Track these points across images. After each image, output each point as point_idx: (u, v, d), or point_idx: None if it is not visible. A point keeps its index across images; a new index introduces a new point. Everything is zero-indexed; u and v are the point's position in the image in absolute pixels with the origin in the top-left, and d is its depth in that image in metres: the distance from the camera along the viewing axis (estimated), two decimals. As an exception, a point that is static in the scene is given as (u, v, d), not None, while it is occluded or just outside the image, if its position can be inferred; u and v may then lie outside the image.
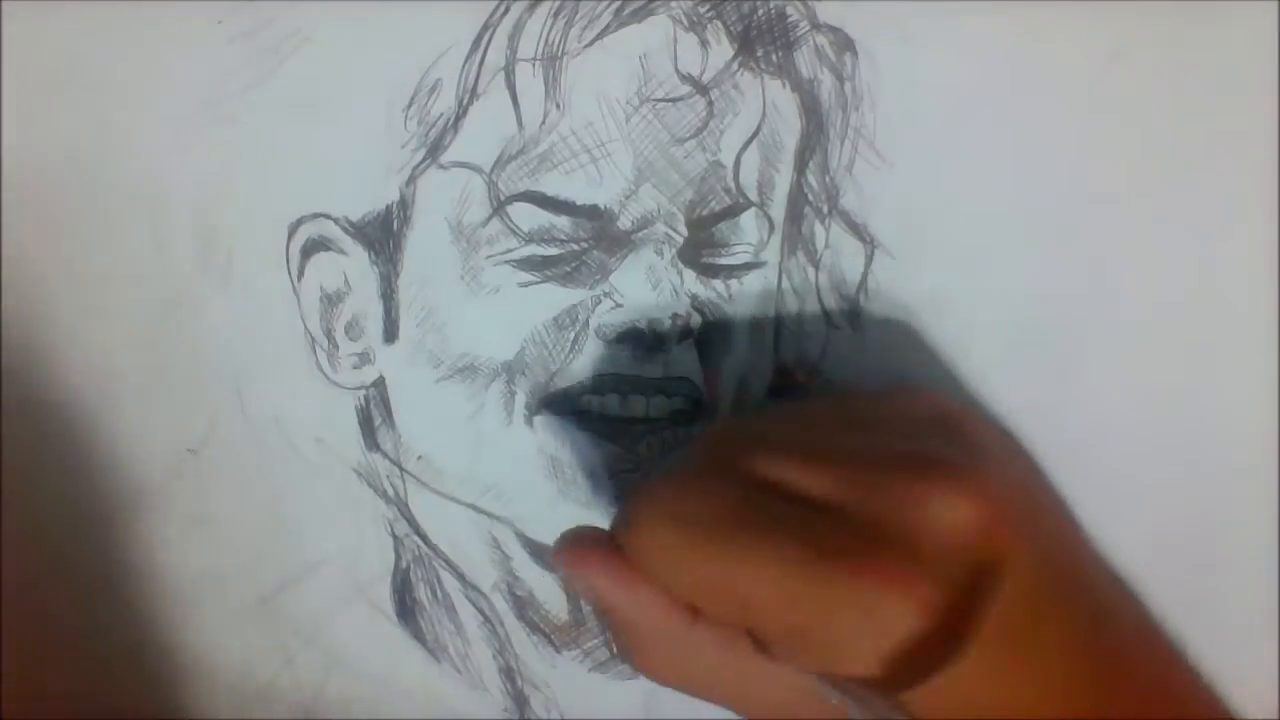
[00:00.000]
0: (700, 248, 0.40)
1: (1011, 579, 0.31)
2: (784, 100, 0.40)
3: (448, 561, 0.43)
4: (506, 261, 0.40)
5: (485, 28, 0.39)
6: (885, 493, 0.32)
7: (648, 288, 0.40)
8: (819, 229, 0.41)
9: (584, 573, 0.34)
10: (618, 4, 0.39)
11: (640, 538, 0.33)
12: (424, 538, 0.43)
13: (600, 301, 0.40)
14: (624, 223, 0.40)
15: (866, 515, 0.31)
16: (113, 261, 0.40)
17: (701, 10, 0.39)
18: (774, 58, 0.40)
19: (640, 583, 0.33)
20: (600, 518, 0.41)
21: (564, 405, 0.41)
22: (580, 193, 0.39)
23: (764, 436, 0.35)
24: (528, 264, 0.40)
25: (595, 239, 0.40)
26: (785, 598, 0.31)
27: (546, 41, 0.39)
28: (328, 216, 0.40)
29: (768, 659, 0.33)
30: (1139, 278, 0.41)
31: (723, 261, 0.41)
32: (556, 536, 0.36)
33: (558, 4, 0.39)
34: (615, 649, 0.36)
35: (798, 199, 0.41)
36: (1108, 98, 0.40)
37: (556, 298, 0.40)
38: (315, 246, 0.40)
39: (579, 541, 0.35)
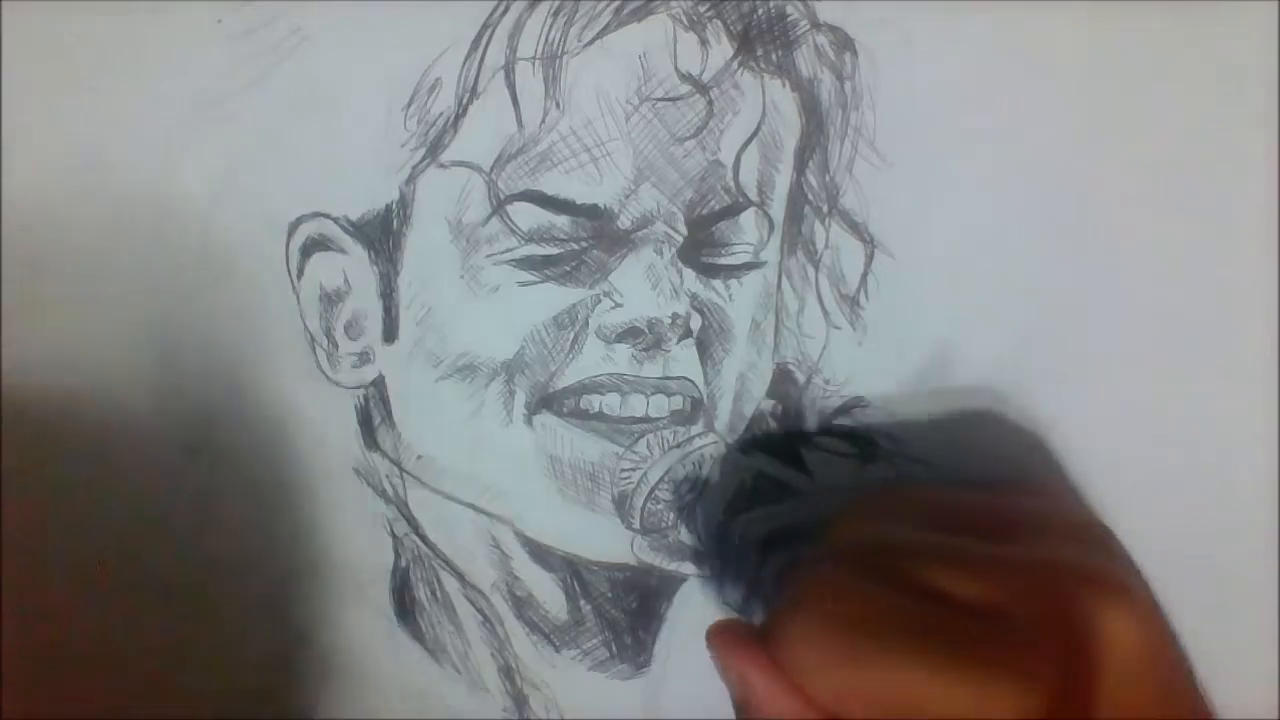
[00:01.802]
0: (700, 247, 0.40)
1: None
2: (784, 99, 0.40)
3: (447, 561, 0.43)
4: (506, 261, 0.40)
5: (485, 27, 0.39)
6: (1051, 602, 0.32)
7: (647, 287, 0.40)
8: (819, 228, 0.41)
9: (737, 666, 0.34)
10: (617, 3, 0.39)
11: (795, 641, 0.33)
12: (423, 537, 0.43)
13: (600, 301, 0.40)
14: (624, 222, 0.40)
15: (1030, 624, 0.32)
16: (112, 261, 0.40)
17: (701, 9, 0.39)
18: (774, 57, 0.40)
19: (785, 682, 0.33)
20: (601, 517, 0.41)
21: (564, 405, 0.41)
22: (580, 192, 0.39)
23: (917, 542, 0.35)
24: (527, 263, 0.40)
25: (595, 238, 0.40)
26: (940, 698, 0.31)
27: (546, 40, 0.39)
28: (327, 216, 0.40)
29: None
30: (1139, 277, 0.41)
31: (723, 261, 0.41)
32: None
33: (557, 3, 0.39)
34: None
35: (798, 198, 0.41)
36: (1107, 98, 0.40)
37: (556, 297, 0.40)
38: (315, 246, 0.40)
39: (732, 633, 0.35)
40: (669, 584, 0.43)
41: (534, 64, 0.39)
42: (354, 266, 0.41)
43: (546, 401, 0.41)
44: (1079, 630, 0.32)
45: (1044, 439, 0.42)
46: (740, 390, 0.42)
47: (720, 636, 0.35)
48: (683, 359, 0.41)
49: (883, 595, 0.33)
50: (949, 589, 0.33)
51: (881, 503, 0.38)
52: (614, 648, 0.44)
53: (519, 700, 0.44)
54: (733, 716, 0.41)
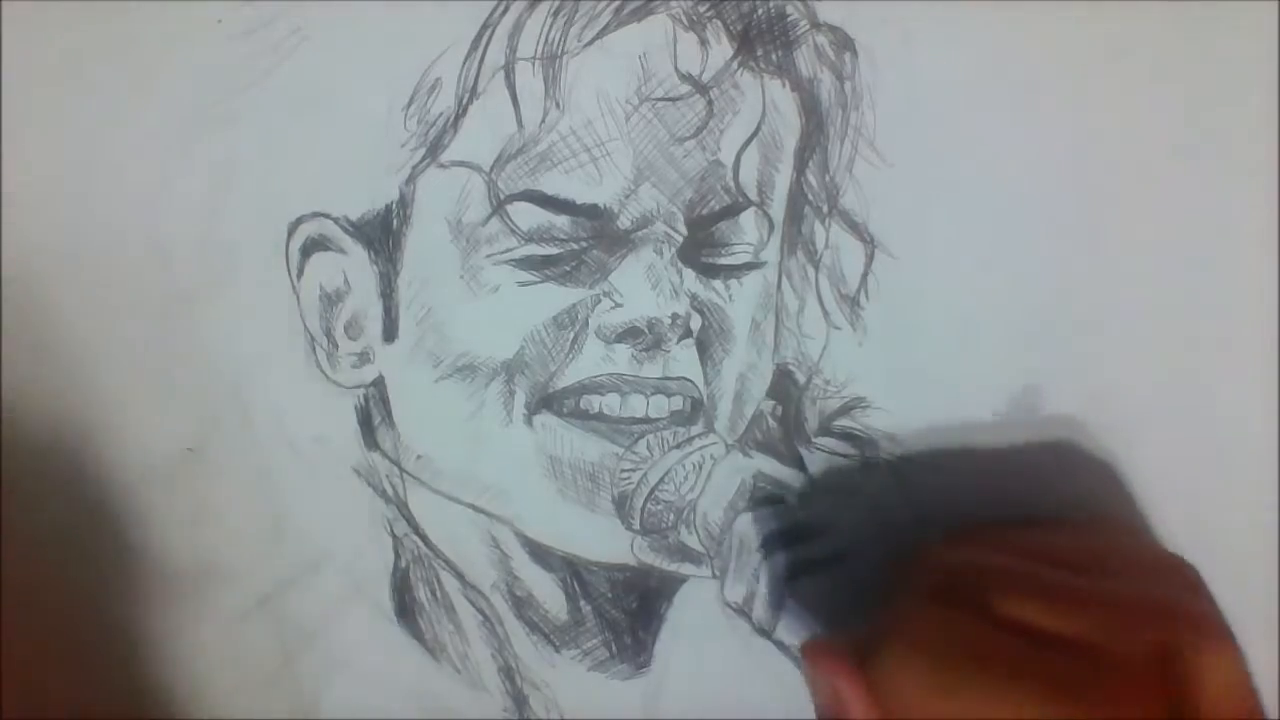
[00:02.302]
0: (700, 247, 0.40)
1: None
2: (784, 99, 0.40)
3: (447, 561, 0.43)
4: (506, 261, 0.40)
5: (485, 27, 0.39)
6: (1144, 640, 0.33)
7: (647, 287, 0.40)
8: (819, 228, 0.41)
9: (835, 681, 0.35)
10: (617, 3, 0.39)
11: (896, 670, 0.34)
12: (423, 537, 0.43)
13: (600, 301, 0.40)
14: (623, 222, 0.40)
15: (1123, 661, 0.32)
16: (112, 261, 0.40)
17: (701, 9, 0.39)
18: (774, 57, 0.40)
19: (876, 703, 0.34)
20: (601, 517, 0.41)
21: (563, 405, 0.41)
22: (580, 192, 0.39)
23: (1007, 575, 0.35)
24: (527, 263, 0.40)
25: (595, 238, 0.40)
26: None
27: (546, 41, 0.39)
28: (327, 216, 0.40)
29: None
30: (1139, 277, 0.41)
31: (723, 261, 0.41)
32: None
33: (557, 3, 0.39)
34: None
35: (798, 198, 0.41)
36: (1108, 97, 0.40)
37: (556, 297, 0.40)
38: (315, 246, 0.40)
39: (829, 651, 0.36)
40: (669, 584, 0.43)
41: (534, 64, 0.39)
42: (354, 266, 0.41)
43: (546, 402, 0.41)
44: (1174, 670, 0.32)
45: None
46: (740, 390, 0.42)
47: (816, 653, 0.36)
48: (683, 359, 0.41)
49: (976, 628, 0.34)
50: (1041, 624, 0.33)
51: (972, 536, 0.39)
52: (614, 648, 0.44)
53: (519, 700, 0.44)
54: (732, 716, 0.42)
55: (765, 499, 0.41)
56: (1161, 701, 0.32)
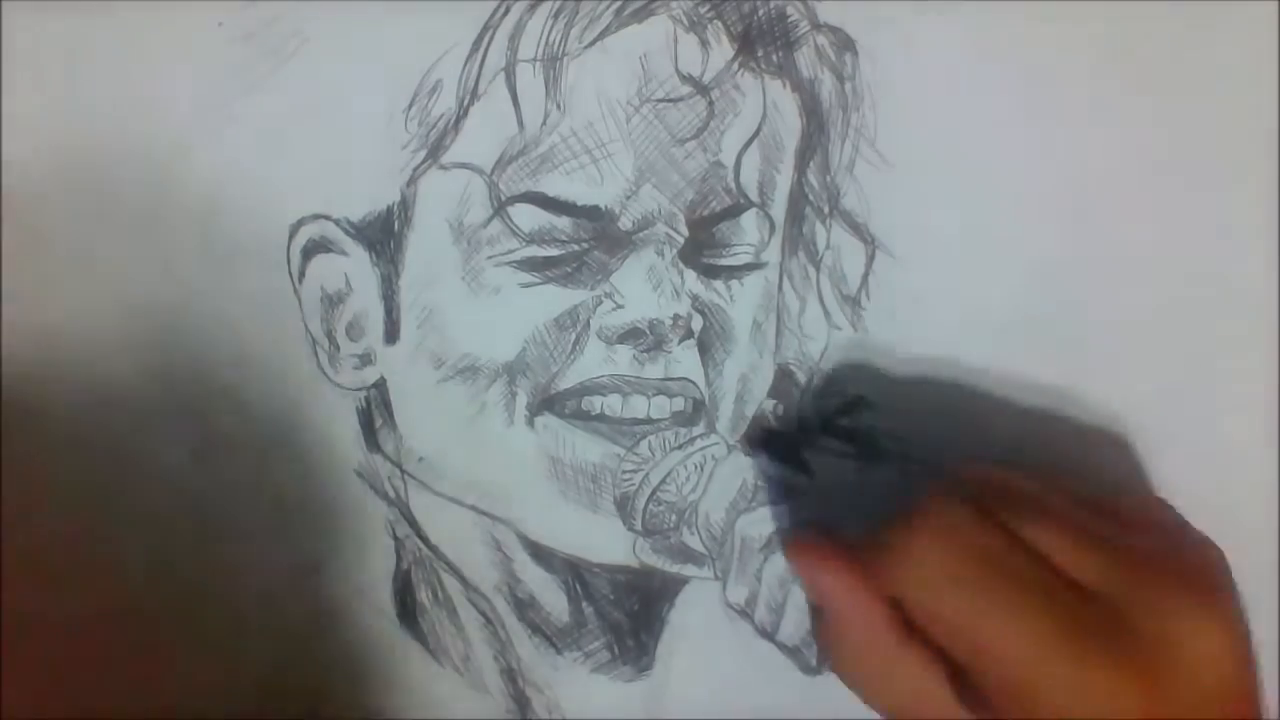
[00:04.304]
0: (701, 248, 0.40)
1: None
2: (784, 100, 0.40)
3: (449, 563, 0.43)
4: (507, 262, 0.40)
5: (486, 28, 0.39)
6: (1152, 595, 0.33)
7: (649, 288, 0.40)
8: (820, 229, 0.41)
9: (823, 572, 0.36)
10: (618, 4, 0.39)
11: (908, 554, 0.34)
12: (425, 539, 0.43)
13: (601, 302, 0.40)
14: (625, 223, 0.40)
15: (1124, 611, 0.33)
16: (113, 263, 0.40)
17: (702, 10, 0.39)
18: (774, 58, 0.40)
19: (873, 594, 0.35)
20: (603, 519, 0.41)
21: (565, 406, 0.41)
22: (581, 193, 0.39)
23: (1040, 503, 0.36)
24: (529, 265, 0.40)
25: (596, 239, 0.40)
26: (1025, 655, 0.32)
27: (547, 42, 0.39)
28: (328, 218, 0.40)
29: (959, 695, 0.35)
30: (1139, 277, 0.41)
31: (724, 262, 0.41)
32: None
33: (558, 4, 0.39)
34: (817, 640, 0.40)
35: (798, 199, 0.41)
36: (1108, 97, 0.40)
37: (557, 298, 0.40)
38: (316, 247, 0.40)
39: (818, 541, 0.37)
40: (671, 586, 0.43)
41: (535, 65, 0.39)
42: (355, 268, 0.41)
43: (548, 403, 0.41)
44: (1182, 635, 0.32)
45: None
46: (742, 391, 0.42)
47: (796, 544, 0.38)
48: (684, 360, 0.41)
49: (1003, 538, 0.34)
50: (1059, 559, 0.34)
51: (1003, 468, 0.38)
52: (616, 650, 0.44)
53: (521, 702, 0.44)
54: (734, 717, 0.42)
55: (767, 499, 0.41)
56: (1162, 669, 0.32)
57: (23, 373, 0.41)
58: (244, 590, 0.42)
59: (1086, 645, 0.32)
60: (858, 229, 0.41)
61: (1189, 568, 0.35)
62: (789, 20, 0.40)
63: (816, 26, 0.40)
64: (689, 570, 0.42)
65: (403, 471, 0.42)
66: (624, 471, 0.41)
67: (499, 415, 0.41)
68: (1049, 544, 0.34)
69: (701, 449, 0.41)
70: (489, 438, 0.41)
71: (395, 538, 0.43)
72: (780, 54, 0.40)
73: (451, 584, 0.43)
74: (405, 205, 0.40)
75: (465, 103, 0.39)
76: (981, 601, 0.33)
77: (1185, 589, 0.33)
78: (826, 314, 0.42)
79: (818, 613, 0.38)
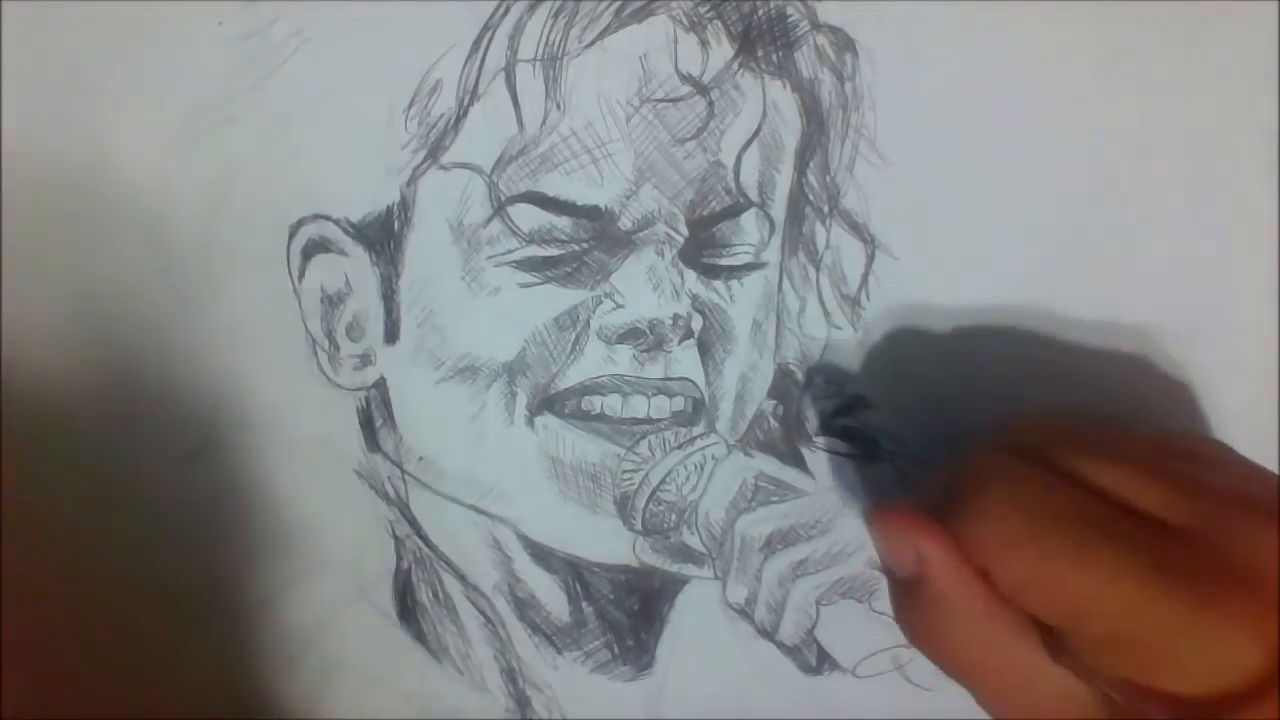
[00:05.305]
0: (701, 248, 0.40)
1: None
2: (784, 100, 0.40)
3: (449, 563, 0.43)
4: (507, 262, 0.40)
5: (485, 28, 0.39)
6: (1239, 527, 0.32)
7: (649, 288, 0.40)
8: (820, 229, 0.41)
9: (912, 537, 0.34)
10: (618, 4, 0.39)
11: (986, 522, 0.33)
12: (425, 539, 0.43)
13: (601, 302, 0.40)
14: (625, 223, 0.40)
15: (1217, 543, 0.31)
16: (113, 263, 0.40)
17: (702, 10, 0.39)
18: (774, 58, 0.40)
19: (961, 558, 0.34)
20: (603, 519, 0.41)
21: (565, 406, 0.41)
22: (581, 193, 0.39)
23: (1104, 444, 0.34)
24: (528, 265, 0.40)
25: (596, 239, 0.40)
26: (1124, 606, 0.31)
27: (547, 42, 0.39)
28: (328, 218, 0.40)
29: (1053, 659, 0.33)
30: (1139, 277, 0.41)
31: (724, 262, 0.41)
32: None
33: (558, 4, 0.39)
34: (897, 615, 0.37)
35: (798, 199, 0.41)
36: (1108, 97, 0.40)
37: (557, 298, 0.40)
38: (316, 248, 0.40)
39: (903, 512, 0.35)
40: (671, 586, 0.43)
41: (534, 65, 0.39)
42: (355, 268, 0.41)
43: (548, 403, 0.41)
44: (1263, 556, 0.31)
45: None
46: (742, 391, 0.42)
47: (887, 515, 0.35)
48: (684, 360, 0.41)
49: (1069, 488, 0.33)
50: (1138, 500, 0.32)
51: (1059, 416, 0.37)
52: (616, 650, 0.44)
53: (521, 702, 0.44)
54: (735, 717, 0.42)
55: (767, 499, 0.41)
56: (1258, 594, 0.30)
57: (23, 375, 0.41)
58: (245, 591, 0.42)
59: (1192, 583, 0.31)
60: (857, 229, 0.41)
61: (1268, 498, 0.33)
62: (789, 20, 0.40)
63: (816, 26, 0.40)
64: (689, 570, 0.42)
65: (403, 471, 0.42)
66: (624, 471, 0.41)
67: (499, 415, 0.41)
68: (1125, 485, 0.33)
69: (701, 449, 0.41)
70: (489, 438, 0.41)
71: (395, 537, 0.43)
72: (780, 54, 0.40)
73: (451, 584, 0.43)
74: (405, 205, 0.40)
75: (465, 103, 0.39)
76: (1071, 559, 0.31)
77: (1271, 518, 0.32)
78: (826, 314, 0.42)
79: (901, 586, 0.36)
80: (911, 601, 0.35)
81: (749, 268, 0.41)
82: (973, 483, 0.34)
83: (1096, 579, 0.31)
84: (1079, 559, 0.31)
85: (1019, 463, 0.34)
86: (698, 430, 0.41)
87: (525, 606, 0.43)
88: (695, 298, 0.41)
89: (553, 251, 0.40)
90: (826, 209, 0.41)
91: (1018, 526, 0.33)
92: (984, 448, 0.36)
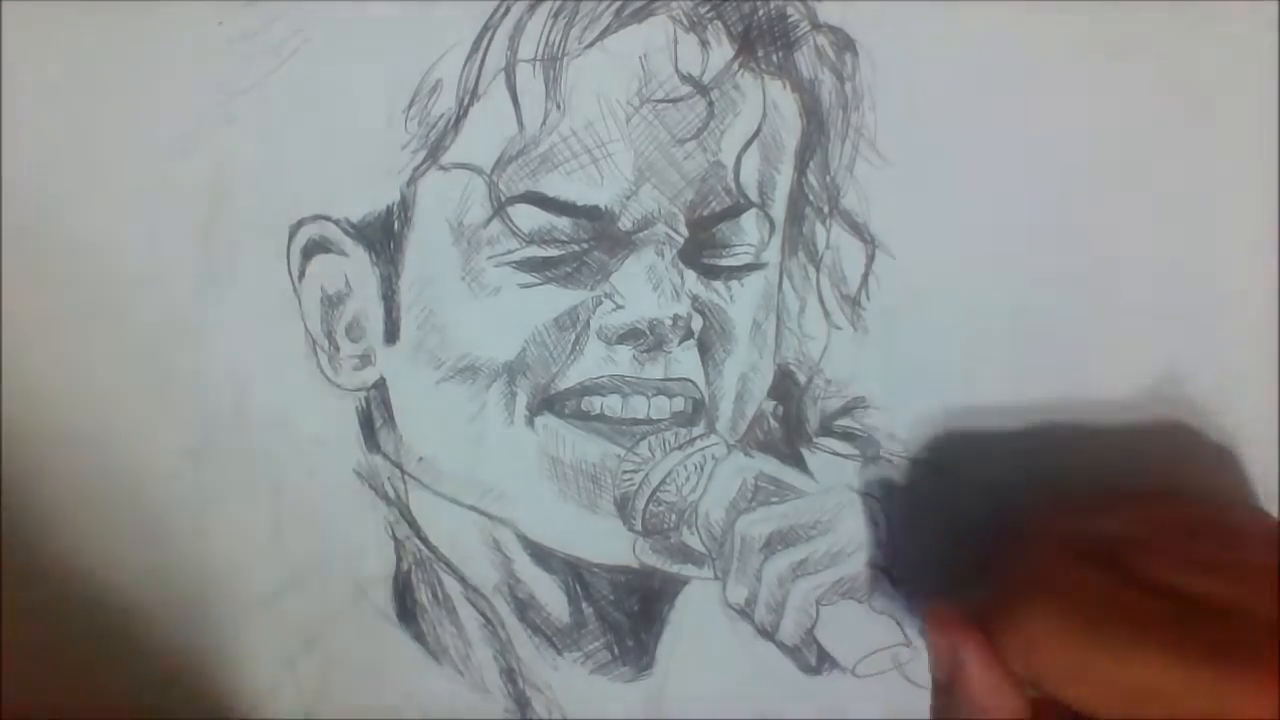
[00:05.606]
0: (701, 248, 0.40)
1: None
2: (784, 100, 0.40)
3: (448, 564, 0.43)
4: (507, 262, 0.40)
5: (486, 29, 0.39)
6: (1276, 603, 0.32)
7: (649, 288, 0.40)
8: (820, 229, 0.41)
9: (950, 639, 0.35)
10: (618, 4, 0.39)
11: (1040, 622, 0.34)
12: (425, 539, 0.43)
13: (601, 302, 0.40)
14: (625, 223, 0.40)
15: (1266, 620, 0.32)
16: (113, 263, 0.40)
17: (702, 11, 0.39)
18: (774, 58, 0.40)
19: (998, 667, 0.35)
20: (603, 519, 0.41)
21: (565, 406, 0.41)
22: (581, 193, 0.39)
23: (1139, 538, 0.35)
24: (528, 265, 0.40)
25: (596, 240, 0.40)
26: (1187, 699, 0.31)
27: (547, 42, 0.39)
28: (328, 218, 0.40)
29: None
30: (1139, 276, 0.41)
31: (724, 262, 0.41)
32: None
33: (558, 4, 0.39)
34: (931, 713, 0.38)
35: (798, 199, 0.41)
36: (1107, 97, 0.40)
37: (557, 299, 0.40)
38: (316, 248, 0.40)
39: (951, 616, 0.36)
40: (671, 586, 0.43)
41: (535, 65, 0.39)
42: (355, 268, 0.41)
43: (548, 403, 0.41)
44: None
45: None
46: (742, 391, 0.42)
47: (938, 618, 0.36)
48: (684, 360, 0.41)
49: (1125, 589, 0.33)
50: (1180, 585, 0.33)
51: (1088, 499, 0.38)
52: (616, 650, 0.44)
53: (521, 702, 0.44)
54: (734, 718, 0.41)
55: (767, 500, 0.41)
56: None
57: (23, 375, 0.41)
58: (245, 591, 0.42)
59: (1237, 664, 0.31)
60: (857, 229, 0.41)
61: None
62: (789, 20, 0.40)
63: (816, 26, 0.40)
64: (689, 570, 0.42)
65: (403, 471, 0.42)
66: (624, 472, 0.41)
67: (499, 415, 0.41)
68: (1170, 574, 0.33)
69: (701, 449, 0.41)
70: (489, 438, 0.41)
71: (395, 538, 0.43)
72: (780, 54, 0.40)
73: (451, 584, 0.43)
74: (405, 205, 0.40)
75: (465, 103, 0.39)
76: (1127, 661, 0.32)
77: None
78: (826, 314, 0.42)
79: (940, 688, 0.37)
80: (946, 701, 0.36)
81: (749, 268, 0.41)
82: (1024, 589, 0.35)
83: (1147, 674, 0.32)
84: (1129, 658, 0.32)
85: (1071, 567, 0.35)
86: (698, 431, 0.41)
87: (525, 607, 0.43)
88: (695, 298, 0.41)
89: (553, 252, 0.40)
90: (826, 209, 0.41)
91: (1073, 630, 0.33)
92: (1033, 539, 0.36)
